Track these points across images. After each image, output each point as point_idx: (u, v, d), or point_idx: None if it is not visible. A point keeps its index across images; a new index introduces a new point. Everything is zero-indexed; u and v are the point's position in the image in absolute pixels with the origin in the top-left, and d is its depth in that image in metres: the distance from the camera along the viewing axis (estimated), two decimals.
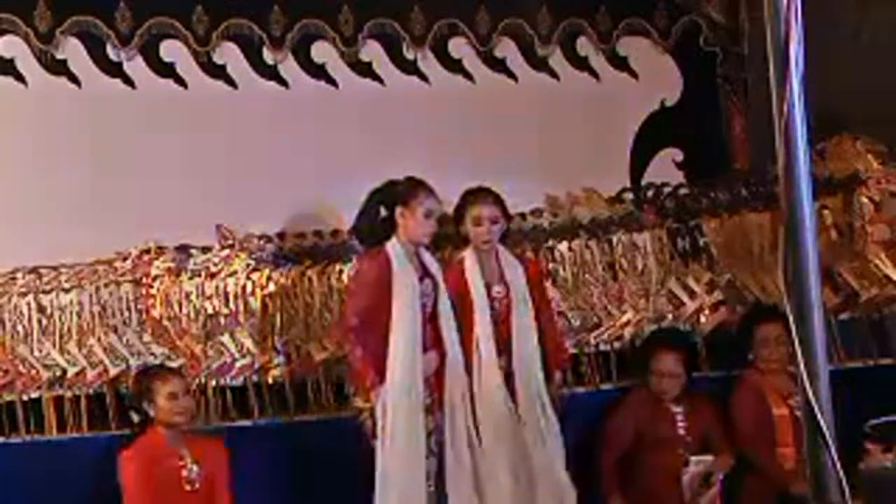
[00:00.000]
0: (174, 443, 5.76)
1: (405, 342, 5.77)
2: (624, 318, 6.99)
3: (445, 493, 5.84)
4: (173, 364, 6.25)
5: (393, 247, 5.86)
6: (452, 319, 5.96)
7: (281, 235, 6.71)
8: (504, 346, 6.09)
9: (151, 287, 6.41)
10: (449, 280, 6.04)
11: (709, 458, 6.44)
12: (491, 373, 5.99)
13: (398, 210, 5.86)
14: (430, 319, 5.92)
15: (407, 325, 5.78)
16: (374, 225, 5.94)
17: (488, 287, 6.12)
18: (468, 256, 6.15)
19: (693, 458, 6.41)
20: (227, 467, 5.85)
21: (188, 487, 5.72)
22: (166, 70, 6.77)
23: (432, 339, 5.91)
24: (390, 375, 5.74)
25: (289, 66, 7.00)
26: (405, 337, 5.77)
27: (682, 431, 6.48)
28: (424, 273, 5.92)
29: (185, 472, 5.73)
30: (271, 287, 6.56)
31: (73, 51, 6.61)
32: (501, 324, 6.10)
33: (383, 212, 5.90)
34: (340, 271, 6.64)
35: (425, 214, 5.84)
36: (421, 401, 5.78)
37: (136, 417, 5.85)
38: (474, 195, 6.17)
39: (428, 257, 5.99)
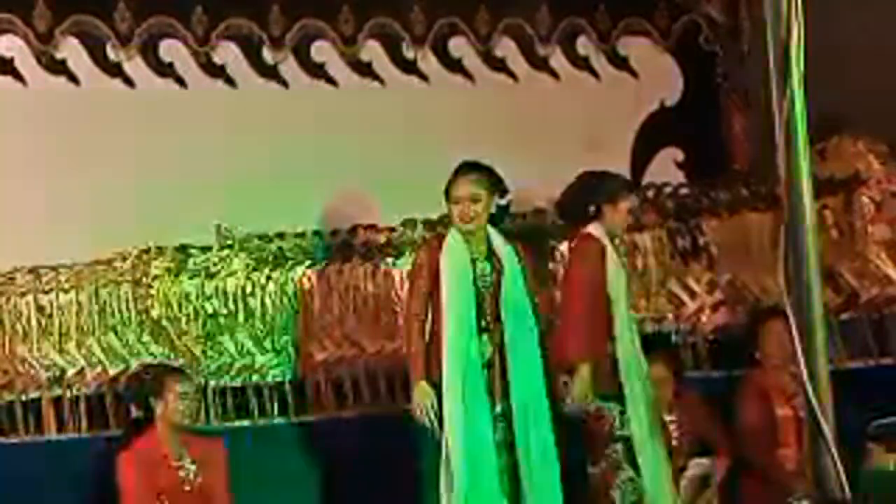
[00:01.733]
0: (173, 442, 5.74)
1: (454, 327, 5.58)
2: None
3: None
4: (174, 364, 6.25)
5: (451, 232, 5.74)
6: (520, 300, 5.70)
7: (280, 235, 6.70)
8: None
9: (151, 287, 6.41)
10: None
11: (706, 461, 6.44)
12: None
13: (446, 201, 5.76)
14: (492, 307, 5.69)
15: (455, 309, 5.59)
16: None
17: None
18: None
19: (690, 462, 6.42)
20: (227, 467, 5.83)
21: (186, 487, 5.70)
22: (166, 70, 6.77)
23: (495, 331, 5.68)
24: (444, 362, 5.54)
25: (289, 66, 7.00)
26: (453, 321, 5.58)
27: (675, 442, 6.45)
28: (489, 254, 5.74)
29: (182, 473, 5.71)
30: (271, 287, 6.55)
31: (72, 50, 6.60)
32: None
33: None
34: (339, 271, 6.64)
35: (451, 200, 5.69)
36: (481, 388, 5.56)
37: (136, 413, 5.82)
38: (626, 187, 6.15)
39: (497, 238, 5.80)
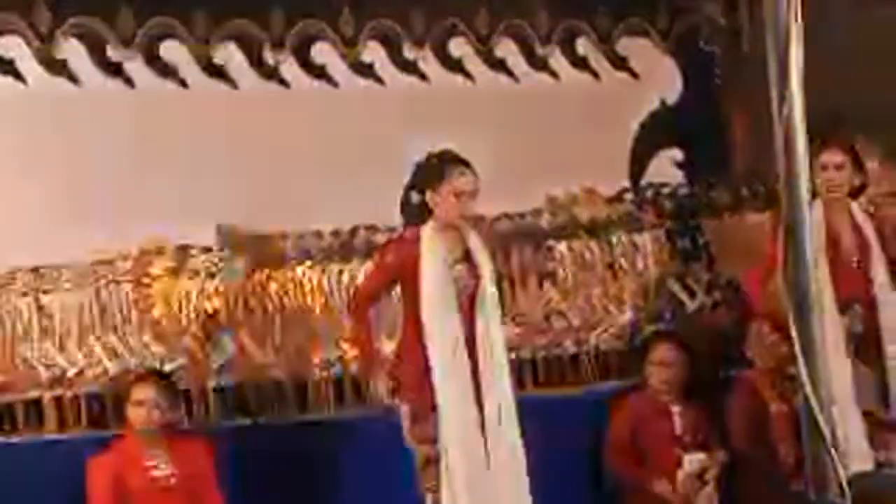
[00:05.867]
0: (148, 445, 5.74)
1: (440, 337, 5.43)
2: (624, 318, 7.02)
3: None
4: (172, 364, 6.26)
5: (426, 229, 5.53)
6: (495, 314, 5.58)
7: (282, 235, 6.71)
8: None
9: (151, 287, 6.41)
10: None
11: (701, 455, 6.46)
12: None
13: (428, 194, 5.53)
14: (466, 307, 5.52)
15: (436, 318, 5.43)
16: (409, 207, 5.62)
17: None
18: None
19: (687, 457, 6.44)
20: (212, 466, 5.81)
21: (162, 486, 5.70)
22: (167, 70, 6.77)
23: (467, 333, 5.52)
24: (437, 376, 5.43)
25: (289, 67, 6.99)
26: (437, 334, 5.43)
27: (679, 430, 6.51)
28: (464, 257, 5.56)
29: (157, 473, 5.71)
30: (271, 287, 6.56)
31: (73, 51, 6.60)
32: None
33: (415, 196, 5.58)
34: (340, 271, 6.64)
35: (455, 194, 5.48)
36: (471, 408, 5.46)
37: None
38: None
39: (474, 239, 5.60)
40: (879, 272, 6.06)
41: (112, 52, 6.66)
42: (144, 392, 5.75)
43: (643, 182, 7.57)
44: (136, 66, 6.69)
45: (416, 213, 5.61)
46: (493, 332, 5.56)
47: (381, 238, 6.69)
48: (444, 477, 5.45)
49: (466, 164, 5.56)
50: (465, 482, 5.44)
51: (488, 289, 5.56)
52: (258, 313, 6.56)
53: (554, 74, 7.54)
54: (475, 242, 5.61)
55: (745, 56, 7.81)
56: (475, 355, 5.52)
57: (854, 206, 6.13)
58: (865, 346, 5.95)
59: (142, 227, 6.41)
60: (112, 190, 6.47)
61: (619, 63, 7.67)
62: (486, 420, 5.51)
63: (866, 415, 5.90)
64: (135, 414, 5.74)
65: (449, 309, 5.46)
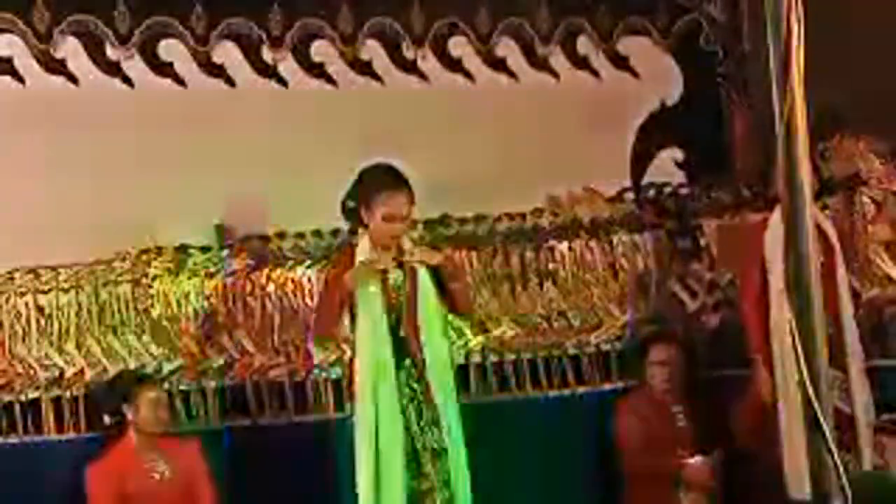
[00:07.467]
0: (145, 448, 5.74)
1: (368, 346, 5.50)
2: (624, 318, 7.01)
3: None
4: (172, 364, 6.25)
5: (361, 241, 5.62)
6: (434, 316, 5.61)
7: (280, 235, 6.70)
8: None
9: (150, 287, 6.40)
10: None
11: (701, 457, 6.46)
12: None
13: (361, 208, 5.60)
14: (409, 314, 5.59)
15: (363, 329, 5.51)
16: (346, 212, 5.70)
17: None
18: None
19: (690, 460, 6.44)
20: (204, 462, 5.81)
21: (161, 488, 5.71)
22: (165, 69, 6.76)
23: (413, 338, 5.59)
24: (360, 385, 5.51)
25: (288, 65, 6.98)
26: (365, 346, 5.50)
27: (680, 430, 6.51)
28: (399, 264, 5.60)
29: (156, 475, 5.72)
30: (270, 287, 6.55)
31: (71, 50, 6.59)
32: None
33: (350, 204, 5.65)
34: None
35: (385, 218, 5.52)
36: (394, 396, 5.50)
37: (108, 420, 5.82)
38: None
39: (408, 245, 5.64)
40: (842, 276, 6.07)
41: (110, 51, 6.65)
42: (159, 393, 5.82)
43: (644, 182, 7.56)
44: (134, 65, 6.68)
45: (350, 219, 5.71)
46: (434, 335, 5.58)
47: None
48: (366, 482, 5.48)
49: (405, 185, 5.55)
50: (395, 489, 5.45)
51: (424, 294, 5.56)
52: (258, 313, 6.54)
53: (554, 74, 7.52)
54: (409, 247, 5.62)
55: (745, 55, 7.80)
56: (420, 359, 5.56)
57: (816, 210, 6.12)
58: (833, 349, 5.95)
59: (140, 226, 6.40)
60: (110, 189, 6.46)
61: (620, 62, 7.66)
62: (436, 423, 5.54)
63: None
64: (152, 416, 5.74)
65: (376, 319, 5.49)
